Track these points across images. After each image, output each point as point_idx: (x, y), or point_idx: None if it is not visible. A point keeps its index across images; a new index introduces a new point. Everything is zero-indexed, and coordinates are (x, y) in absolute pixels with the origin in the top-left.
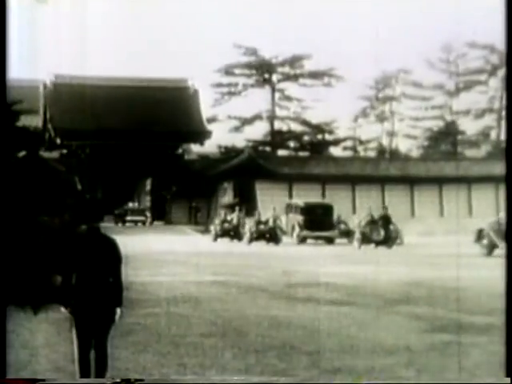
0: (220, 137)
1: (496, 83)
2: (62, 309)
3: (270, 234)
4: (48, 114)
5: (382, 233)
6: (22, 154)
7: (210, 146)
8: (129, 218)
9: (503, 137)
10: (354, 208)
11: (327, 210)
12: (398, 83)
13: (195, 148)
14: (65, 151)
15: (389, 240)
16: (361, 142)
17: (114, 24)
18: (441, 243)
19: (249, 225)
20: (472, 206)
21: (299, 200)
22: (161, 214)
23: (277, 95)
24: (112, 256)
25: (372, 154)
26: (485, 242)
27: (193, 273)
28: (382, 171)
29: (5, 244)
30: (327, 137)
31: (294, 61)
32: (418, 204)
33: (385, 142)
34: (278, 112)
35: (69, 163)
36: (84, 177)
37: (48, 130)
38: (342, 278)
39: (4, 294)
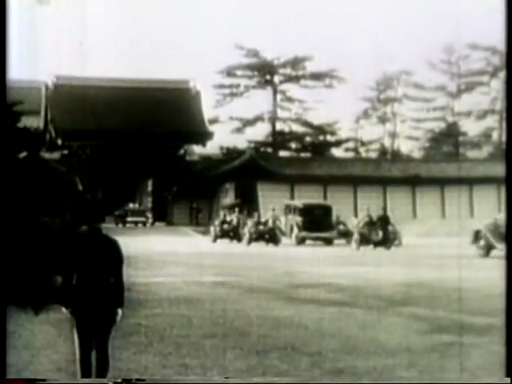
0: (222, 138)
1: (498, 84)
2: (63, 309)
3: (269, 235)
4: (49, 115)
5: (381, 234)
6: (23, 154)
7: (211, 147)
8: (129, 218)
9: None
10: (355, 209)
11: (326, 210)
12: (399, 84)
13: (197, 149)
14: (66, 152)
15: (387, 241)
16: (362, 144)
17: (114, 24)
18: (441, 244)
19: (248, 226)
20: (474, 208)
21: (298, 201)
22: (162, 215)
23: (278, 96)
24: (113, 257)
25: (374, 155)
26: (482, 243)
27: (194, 273)
28: (384, 172)
29: (6, 244)
30: (329, 138)
31: (295, 62)
32: (419, 205)
33: (386, 143)
34: (280, 113)
35: (70, 164)
36: (85, 177)
37: (49, 130)
38: (342, 279)
39: (5, 294)
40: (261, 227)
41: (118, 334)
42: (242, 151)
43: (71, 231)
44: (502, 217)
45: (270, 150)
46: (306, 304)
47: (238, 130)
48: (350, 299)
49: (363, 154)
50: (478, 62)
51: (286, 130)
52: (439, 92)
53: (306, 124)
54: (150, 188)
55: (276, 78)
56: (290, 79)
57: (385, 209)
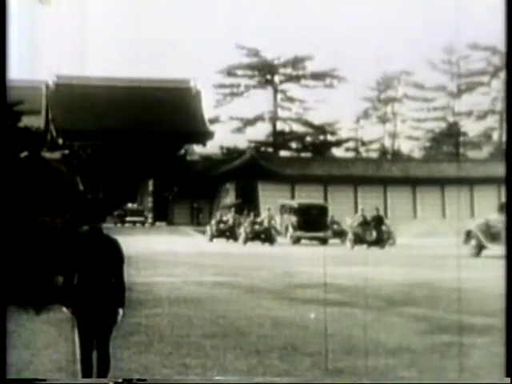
0: (222, 138)
1: (498, 85)
2: (64, 309)
3: (264, 235)
4: (50, 115)
5: (374, 234)
6: (24, 154)
7: (212, 147)
8: (128, 218)
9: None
10: (355, 209)
11: (321, 210)
12: (399, 84)
13: (197, 149)
14: (67, 152)
15: (381, 241)
16: (363, 143)
17: (114, 24)
18: (441, 244)
19: (244, 225)
20: (474, 208)
21: (293, 200)
22: (163, 215)
23: (279, 96)
24: (114, 256)
25: (374, 155)
26: (473, 242)
27: (195, 273)
28: (384, 172)
29: (6, 244)
30: (329, 138)
31: (296, 62)
32: (420, 205)
33: (387, 143)
34: (280, 113)
35: (71, 163)
36: (86, 177)
37: (50, 130)
38: (341, 279)
39: (6, 294)
40: (256, 227)
41: (119, 334)
42: (242, 151)
43: (72, 231)
44: (493, 217)
45: (270, 149)
46: (306, 304)
47: (239, 130)
48: (349, 299)
49: (363, 154)
50: (479, 62)
51: (287, 129)
52: (439, 92)
53: (307, 124)
54: (150, 188)
55: (276, 78)
56: (290, 79)
57: (384, 209)
